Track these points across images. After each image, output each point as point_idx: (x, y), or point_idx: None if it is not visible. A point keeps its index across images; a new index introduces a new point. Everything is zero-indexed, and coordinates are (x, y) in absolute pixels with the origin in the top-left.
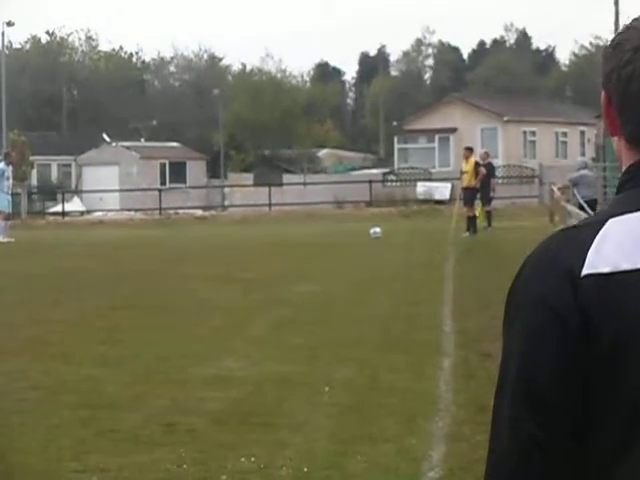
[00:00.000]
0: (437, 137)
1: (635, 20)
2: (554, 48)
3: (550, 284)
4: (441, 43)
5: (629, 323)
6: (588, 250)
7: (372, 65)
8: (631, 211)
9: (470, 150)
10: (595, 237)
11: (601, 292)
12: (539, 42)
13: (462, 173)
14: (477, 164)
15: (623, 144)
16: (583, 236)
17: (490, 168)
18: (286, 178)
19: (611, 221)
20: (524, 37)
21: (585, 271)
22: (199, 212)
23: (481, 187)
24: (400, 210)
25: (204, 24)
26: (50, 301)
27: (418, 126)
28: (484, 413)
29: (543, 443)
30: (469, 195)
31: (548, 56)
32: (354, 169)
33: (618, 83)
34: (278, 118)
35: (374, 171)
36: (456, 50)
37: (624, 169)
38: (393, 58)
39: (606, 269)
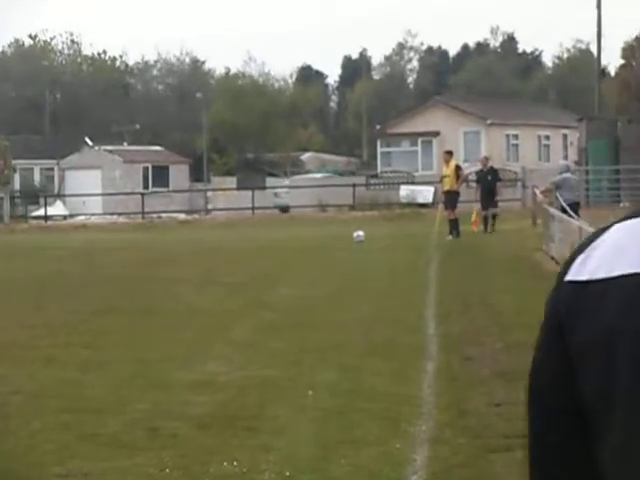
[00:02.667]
0: (420, 140)
1: None
2: (541, 52)
3: (551, 291)
4: (426, 46)
5: (588, 331)
6: (579, 256)
7: (355, 68)
8: (633, 217)
9: (450, 154)
10: (592, 243)
11: (573, 300)
12: (525, 45)
13: (442, 177)
14: (458, 167)
15: None
16: (586, 242)
17: (495, 173)
18: (269, 181)
19: (616, 226)
20: (510, 40)
21: (567, 277)
22: (182, 216)
23: (484, 191)
24: (383, 214)
25: (187, 27)
26: (32, 305)
27: (401, 130)
28: (466, 417)
29: (549, 442)
30: (451, 199)
31: (534, 59)
32: (339, 174)
33: None
34: (261, 121)
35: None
36: (440, 53)
37: None
38: (376, 61)
39: (584, 277)
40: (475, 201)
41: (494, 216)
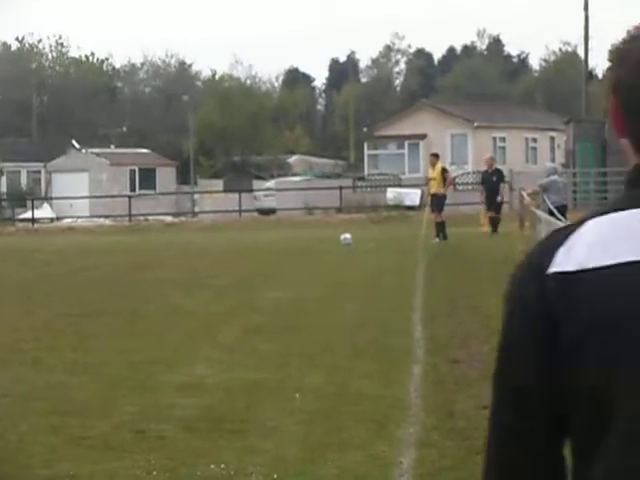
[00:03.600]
0: (407, 143)
1: (638, 29)
2: (527, 54)
3: (524, 281)
4: (414, 49)
5: (586, 321)
6: (559, 249)
7: (342, 71)
8: (609, 212)
9: (436, 156)
10: (570, 236)
11: (564, 290)
12: (511, 48)
13: (429, 180)
14: (444, 170)
15: (628, 147)
16: (561, 236)
17: (500, 174)
18: (256, 184)
19: (588, 222)
20: (496, 43)
21: (552, 269)
22: (169, 218)
23: (489, 192)
24: (370, 216)
25: (173, 30)
26: (19, 308)
27: (388, 132)
28: (453, 419)
29: (521, 431)
30: (437, 201)
31: (520, 62)
32: (327, 176)
33: (628, 92)
34: (248, 124)
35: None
36: (426, 55)
37: (630, 170)
38: (363, 64)
39: (572, 268)
40: (481, 203)
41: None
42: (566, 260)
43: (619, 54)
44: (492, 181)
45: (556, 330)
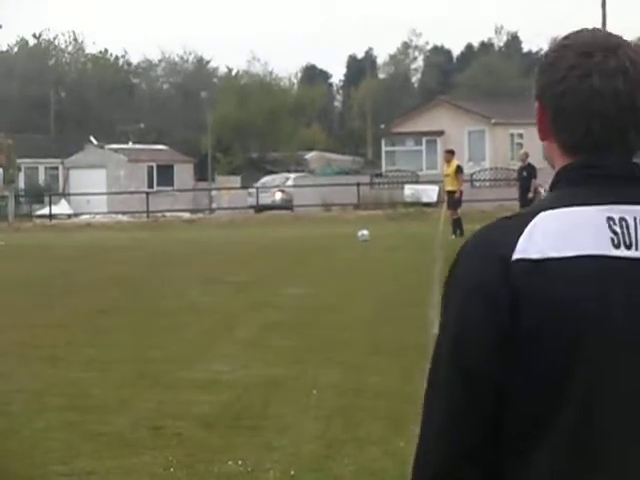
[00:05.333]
0: (424, 140)
1: (566, 39)
2: (545, 51)
3: (483, 267)
4: (431, 45)
5: (549, 307)
6: (519, 237)
7: (360, 68)
8: (560, 206)
9: (452, 153)
10: (526, 226)
11: (529, 276)
12: (530, 44)
13: (444, 176)
14: (459, 167)
15: (555, 149)
16: (516, 225)
17: (531, 169)
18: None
19: (542, 214)
20: (514, 40)
21: (516, 255)
22: (186, 215)
23: (521, 189)
24: (388, 213)
25: (190, 27)
26: (37, 304)
27: (405, 129)
28: None
29: (473, 408)
30: (454, 198)
31: (538, 59)
32: (345, 172)
33: (553, 97)
34: (265, 120)
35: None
36: (444, 52)
37: (556, 171)
38: (380, 61)
39: (535, 255)
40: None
41: None
42: (528, 248)
43: (548, 61)
44: (523, 177)
45: (516, 315)
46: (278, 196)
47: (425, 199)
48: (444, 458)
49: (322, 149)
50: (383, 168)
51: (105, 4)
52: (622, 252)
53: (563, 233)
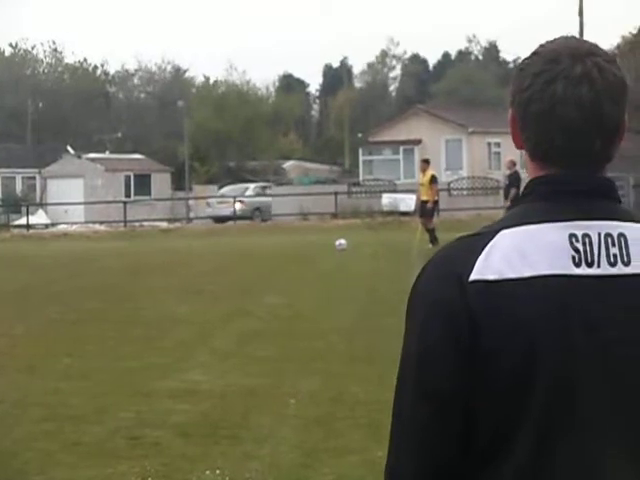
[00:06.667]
0: (402, 149)
1: (541, 46)
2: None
3: (442, 287)
4: (409, 54)
5: (506, 328)
6: (477, 258)
7: (336, 77)
8: (521, 224)
9: (427, 162)
10: (486, 246)
11: (485, 297)
12: (507, 54)
13: (420, 185)
14: (433, 177)
15: (527, 157)
16: (476, 244)
17: (514, 178)
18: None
19: (502, 232)
20: (491, 49)
21: (473, 277)
22: (164, 224)
23: (505, 197)
24: (365, 222)
25: (167, 37)
26: (14, 314)
27: (383, 138)
28: None
29: (438, 427)
30: (427, 208)
31: (515, 67)
32: (322, 182)
33: (519, 104)
34: (242, 129)
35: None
36: (422, 61)
37: (526, 184)
38: (357, 70)
39: (492, 277)
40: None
41: None
42: (486, 269)
43: (518, 68)
44: (506, 185)
45: (475, 335)
46: (237, 206)
47: (403, 208)
48: (413, 477)
49: (299, 158)
50: (361, 177)
51: (83, 15)
52: (583, 270)
53: (522, 253)
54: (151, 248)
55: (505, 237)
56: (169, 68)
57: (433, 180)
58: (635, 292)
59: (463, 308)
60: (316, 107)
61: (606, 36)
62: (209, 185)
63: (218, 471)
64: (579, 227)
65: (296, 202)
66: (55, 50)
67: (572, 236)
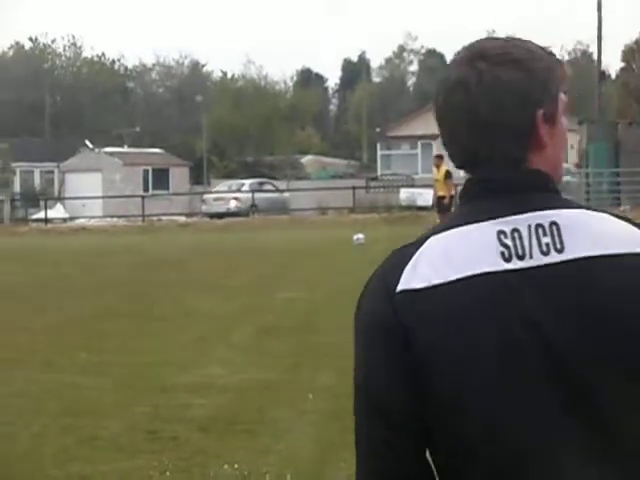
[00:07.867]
0: (420, 143)
1: (457, 53)
2: None
3: (375, 302)
4: (425, 49)
5: (436, 336)
6: (405, 268)
7: (355, 71)
8: (450, 228)
9: (440, 158)
10: (414, 255)
11: (413, 307)
12: None
13: (435, 181)
14: (448, 173)
15: None
16: (405, 254)
17: None
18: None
19: (431, 239)
20: None
21: (399, 287)
22: (182, 219)
23: None
24: (383, 216)
25: (185, 31)
26: (33, 308)
27: (401, 132)
28: None
29: (393, 444)
30: (443, 203)
31: None
32: (340, 176)
33: (440, 121)
34: (260, 124)
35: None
36: (439, 55)
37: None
38: (375, 64)
39: (419, 285)
40: None
41: None
42: (412, 278)
43: (438, 82)
44: None
45: (409, 347)
46: (232, 204)
47: (420, 203)
48: None
49: (317, 153)
50: (379, 172)
51: (102, 9)
52: (514, 264)
53: (448, 257)
54: (169, 242)
55: (433, 243)
56: (187, 62)
57: (448, 176)
58: (571, 277)
59: (396, 321)
60: (334, 102)
61: (625, 31)
62: (227, 180)
63: (236, 465)
64: (507, 223)
65: (314, 197)
66: (74, 44)
67: (500, 233)
